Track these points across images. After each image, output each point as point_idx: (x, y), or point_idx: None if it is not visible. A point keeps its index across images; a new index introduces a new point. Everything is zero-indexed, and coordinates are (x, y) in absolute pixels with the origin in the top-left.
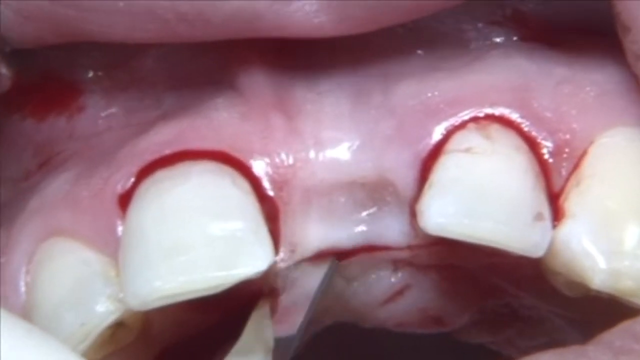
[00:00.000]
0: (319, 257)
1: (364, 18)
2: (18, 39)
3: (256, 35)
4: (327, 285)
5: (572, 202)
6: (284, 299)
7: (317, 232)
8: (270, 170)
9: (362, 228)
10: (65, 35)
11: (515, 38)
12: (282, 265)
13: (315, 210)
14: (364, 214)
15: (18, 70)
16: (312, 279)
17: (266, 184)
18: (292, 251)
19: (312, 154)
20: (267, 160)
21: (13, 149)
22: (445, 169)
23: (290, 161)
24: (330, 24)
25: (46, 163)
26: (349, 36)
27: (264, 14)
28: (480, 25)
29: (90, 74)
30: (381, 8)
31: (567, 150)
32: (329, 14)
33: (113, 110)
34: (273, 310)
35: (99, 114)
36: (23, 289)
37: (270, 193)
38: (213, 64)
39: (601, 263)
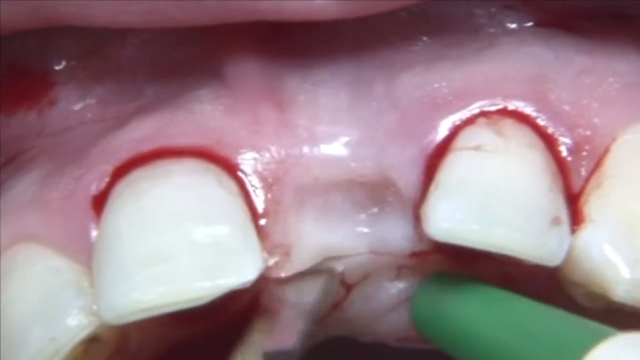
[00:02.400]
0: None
1: None
2: None
3: (252, 18)
4: (325, 295)
5: (592, 205)
6: (281, 313)
7: (312, 234)
8: (259, 167)
9: (362, 230)
10: (42, 19)
11: (531, 23)
12: (275, 273)
13: (310, 211)
14: (364, 215)
15: None
16: (309, 289)
17: (255, 182)
18: (286, 254)
19: (306, 149)
20: (256, 156)
21: None
22: (453, 169)
23: (282, 157)
24: (334, 6)
25: (12, 160)
26: (349, 21)
27: None
28: (493, 9)
29: (63, 64)
30: None
31: (587, 147)
32: None
33: (87, 102)
34: (269, 327)
35: (71, 107)
36: None
37: (260, 192)
38: (198, 51)
39: (625, 273)
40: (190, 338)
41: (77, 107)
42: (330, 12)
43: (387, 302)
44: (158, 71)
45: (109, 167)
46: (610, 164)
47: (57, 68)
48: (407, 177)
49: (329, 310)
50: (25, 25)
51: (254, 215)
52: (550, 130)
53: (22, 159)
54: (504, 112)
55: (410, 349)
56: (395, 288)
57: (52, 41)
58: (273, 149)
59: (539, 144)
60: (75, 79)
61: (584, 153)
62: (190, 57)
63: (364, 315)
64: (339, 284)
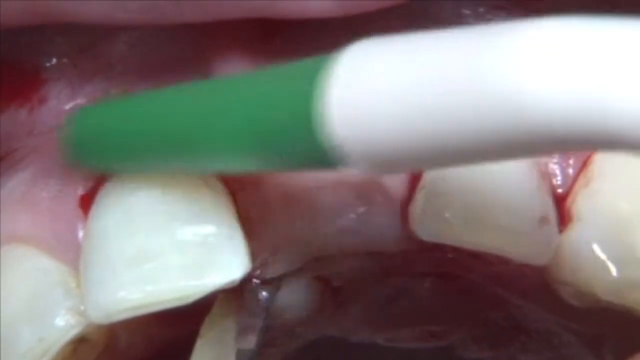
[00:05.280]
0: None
1: None
2: None
3: (247, 15)
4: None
5: (580, 204)
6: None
7: (299, 234)
8: None
9: (350, 230)
10: (37, 15)
11: None
12: (262, 272)
13: (297, 210)
14: (352, 215)
15: None
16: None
17: (242, 181)
18: (273, 253)
19: None
20: None
21: None
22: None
23: None
24: (328, 5)
25: (2, 160)
26: (338, 23)
27: None
28: (481, 9)
29: (54, 61)
30: None
31: None
32: None
33: (77, 101)
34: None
35: (62, 106)
36: None
37: (248, 191)
38: (188, 51)
39: (613, 271)
40: (179, 338)
41: (68, 106)
42: (329, 10)
43: (375, 302)
44: (149, 71)
45: None
46: (598, 162)
47: (48, 65)
48: (395, 176)
49: (316, 311)
50: (19, 22)
51: (241, 214)
52: None
53: (13, 159)
54: None
55: (400, 348)
56: (385, 287)
57: (43, 37)
58: None
59: None
60: (65, 77)
61: (572, 152)
62: (180, 57)
63: (353, 315)
64: (324, 288)
